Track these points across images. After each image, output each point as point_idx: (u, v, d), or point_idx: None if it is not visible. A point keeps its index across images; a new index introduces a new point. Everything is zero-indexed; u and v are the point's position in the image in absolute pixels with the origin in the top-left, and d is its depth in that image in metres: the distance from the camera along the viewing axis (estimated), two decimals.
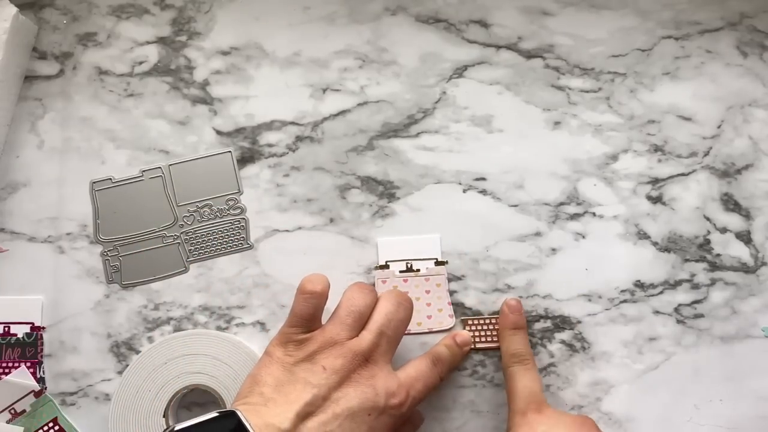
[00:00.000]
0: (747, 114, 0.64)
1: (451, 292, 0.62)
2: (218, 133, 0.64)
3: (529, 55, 0.64)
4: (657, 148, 0.63)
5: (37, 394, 0.60)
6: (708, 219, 0.63)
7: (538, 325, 0.62)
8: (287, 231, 0.63)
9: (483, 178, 0.63)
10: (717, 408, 0.61)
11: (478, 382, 0.61)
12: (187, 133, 0.63)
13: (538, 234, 0.63)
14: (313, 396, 0.47)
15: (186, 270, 0.62)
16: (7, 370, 0.61)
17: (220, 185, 0.63)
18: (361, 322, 0.53)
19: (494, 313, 0.62)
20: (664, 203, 0.63)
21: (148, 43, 0.64)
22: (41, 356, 0.61)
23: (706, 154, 0.64)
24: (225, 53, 0.64)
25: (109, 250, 0.62)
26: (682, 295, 0.62)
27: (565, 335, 0.62)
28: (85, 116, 0.64)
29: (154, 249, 0.62)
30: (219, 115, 0.64)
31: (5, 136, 0.63)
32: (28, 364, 0.61)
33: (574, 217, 0.63)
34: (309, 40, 0.64)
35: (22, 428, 0.60)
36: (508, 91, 0.64)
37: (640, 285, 0.62)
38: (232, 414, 0.45)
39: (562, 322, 0.62)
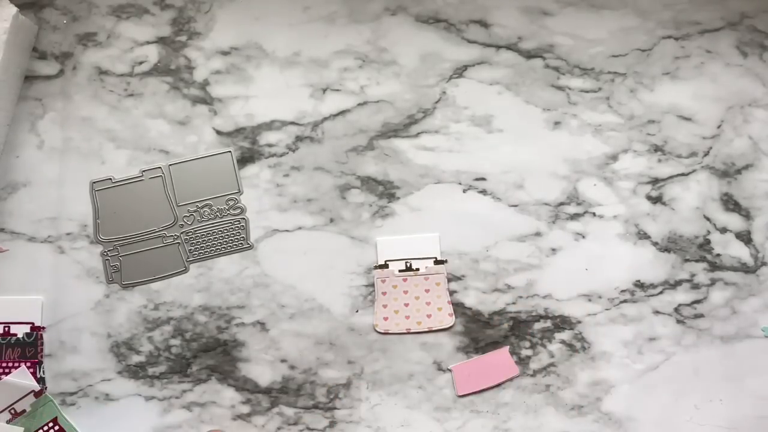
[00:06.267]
0: (747, 114, 0.64)
1: (451, 292, 0.62)
2: (218, 133, 0.64)
3: (529, 55, 0.64)
4: (657, 148, 0.63)
5: (37, 394, 0.60)
6: (708, 219, 0.63)
7: (538, 325, 0.62)
8: (287, 231, 0.63)
9: (483, 178, 0.63)
10: (717, 408, 0.61)
11: None
12: (187, 133, 0.63)
13: (538, 234, 0.63)
14: None
15: (186, 270, 0.62)
16: (7, 370, 0.61)
17: (220, 185, 0.63)
18: None
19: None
20: (664, 203, 0.63)
21: (148, 43, 0.64)
22: (41, 356, 0.61)
23: (706, 154, 0.64)
24: (225, 53, 0.64)
25: (109, 250, 0.62)
26: (682, 295, 0.62)
27: (565, 335, 0.62)
28: (85, 116, 0.64)
29: (154, 249, 0.62)
30: (219, 115, 0.64)
31: (5, 136, 0.63)
32: (28, 364, 0.61)
33: (574, 217, 0.63)
34: (309, 40, 0.64)
35: (22, 428, 0.60)
36: (508, 91, 0.64)
37: (640, 285, 0.62)
38: None
39: (562, 322, 0.62)
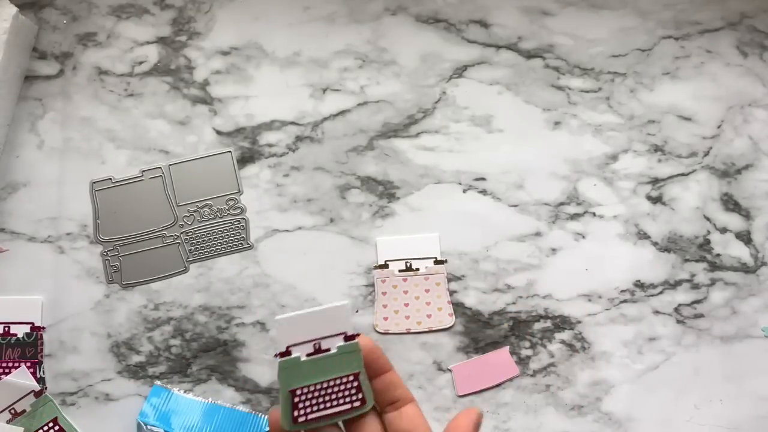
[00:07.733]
0: (747, 114, 0.64)
1: (451, 292, 0.62)
2: (218, 133, 0.64)
3: (529, 55, 0.64)
4: (657, 148, 0.63)
5: (37, 394, 0.60)
6: (708, 219, 0.63)
7: (538, 325, 0.62)
8: (287, 231, 0.63)
9: (483, 178, 0.63)
10: (717, 408, 0.61)
11: None
12: (187, 133, 0.63)
13: (538, 234, 0.63)
14: None
15: (186, 270, 0.62)
16: (7, 370, 0.61)
17: (220, 185, 0.63)
18: None
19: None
20: (664, 203, 0.63)
21: (148, 43, 0.64)
22: (41, 356, 0.61)
23: (706, 154, 0.64)
24: (225, 53, 0.64)
25: (109, 250, 0.62)
26: (682, 295, 0.62)
27: (565, 335, 0.62)
28: (85, 116, 0.64)
29: (154, 249, 0.62)
30: (219, 115, 0.64)
31: (5, 136, 0.63)
32: (28, 364, 0.61)
33: (574, 217, 0.63)
34: (309, 40, 0.64)
35: (22, 428, 0.60)
36: (508, 91, 0.64)
37: (640, 285, 0.62)
38: None
39: (562, 322, 0.62)
